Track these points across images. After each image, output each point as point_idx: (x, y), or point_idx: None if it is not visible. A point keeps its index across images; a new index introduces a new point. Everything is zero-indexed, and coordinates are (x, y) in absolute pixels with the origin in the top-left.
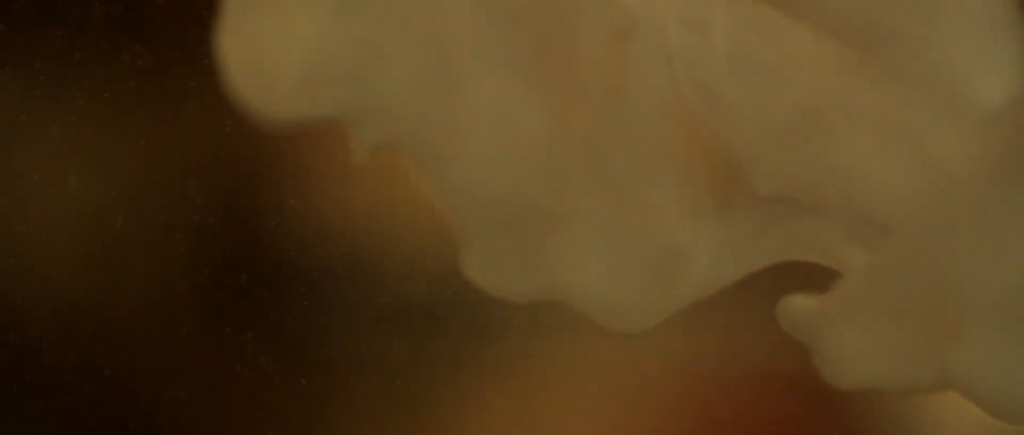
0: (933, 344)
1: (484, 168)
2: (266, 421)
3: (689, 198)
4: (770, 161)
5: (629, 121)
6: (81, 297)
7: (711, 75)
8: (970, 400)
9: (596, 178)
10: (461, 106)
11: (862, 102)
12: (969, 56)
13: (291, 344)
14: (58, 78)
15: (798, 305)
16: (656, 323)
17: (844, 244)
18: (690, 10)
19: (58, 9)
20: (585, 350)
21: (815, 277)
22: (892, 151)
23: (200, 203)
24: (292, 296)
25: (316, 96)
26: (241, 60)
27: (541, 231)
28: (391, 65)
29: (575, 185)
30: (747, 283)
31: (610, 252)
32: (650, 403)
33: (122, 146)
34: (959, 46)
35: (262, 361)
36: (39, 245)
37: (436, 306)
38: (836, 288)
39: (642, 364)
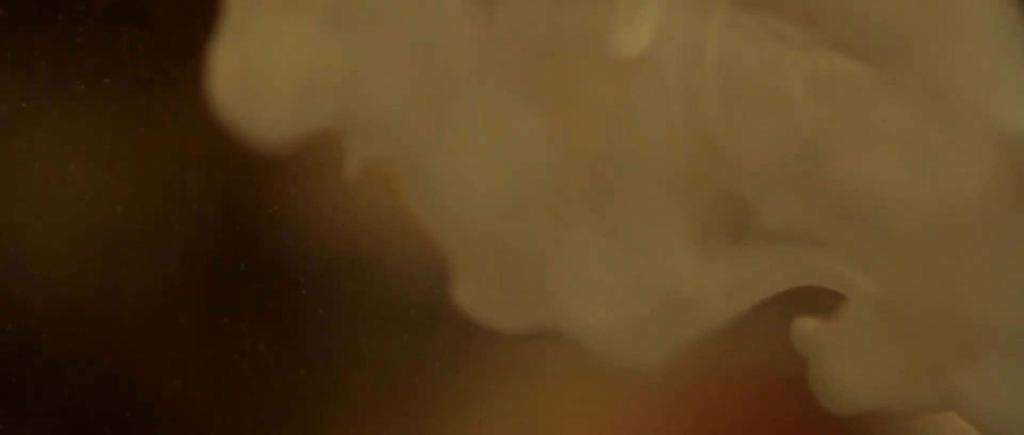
0: (937, 368)
1: (479, 193)
2: (264, 412)
3: (696, 233)
4: (777, 194)
5: (633, 152)
6: (79, 286)
7: (711, 105)
8: (971, 425)
9: (598, 211)
10: (457, 127)
11: (874, 124)
12: (988, 77)
13: (290, 335)
14: (58, 64)
15: (804, 328)
16: (661, 362)
17: (852, 269)
18: (688, 35)
19: None
20: (585, 349)
21: (822, 289)
22: (904, 174)
23: (199, 191)
24: (291, 287)
25: (308, 113)
26: (232, 85)
27: (539, 265)
28: (383, 79)
29: (576, 218)
30: None
31: (612, 290)
32: (650, 403)
33: (121, 133)
34: (978, 66)
35: (260, 352)
36: (37, 233)
37: (436, 301)
38: (842, 310)
39: None
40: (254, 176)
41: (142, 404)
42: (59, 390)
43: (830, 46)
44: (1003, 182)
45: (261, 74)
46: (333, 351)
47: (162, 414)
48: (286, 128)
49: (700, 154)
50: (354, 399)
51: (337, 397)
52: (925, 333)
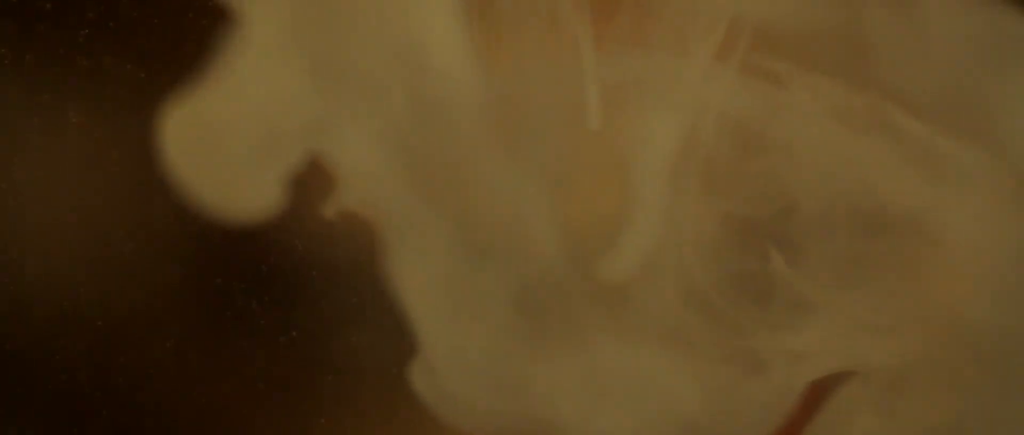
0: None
1: (463, 266)
2: (256, 373)
3: (718, 355)
4: (811, 316)
5: (649, 265)
6: (71, 243)
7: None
8: None
9: (609, 310)
10: (449, 197)
11: (932, 173)
12: None
13: (283, 296)
14: (60, 11)
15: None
16: None
17: (874, 352)
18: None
19: None
20: None
21: None
22: (960, 239)
23: None
24: (285, 247)
25: (274, 159)
26: (188, 151)
27: (527, 364)
28: (361, 126)
29: (581, 320)
30: None
31: (620, 402)
32: None
33: (122, 81)
34: None
35: (253, 312)
36: (34, 184)
37: None
38: (853, 380)
39: None
40: None
41: (134, 364)
42: (50, 352)
43: (886, 91)
44: None
45: (227, 128)
46: (326, 313)
47: (154, 374)
48: (263, 180)
49: (722, 262)
50: (346, 362)
51: (329, 360)
52: (940, 398)
